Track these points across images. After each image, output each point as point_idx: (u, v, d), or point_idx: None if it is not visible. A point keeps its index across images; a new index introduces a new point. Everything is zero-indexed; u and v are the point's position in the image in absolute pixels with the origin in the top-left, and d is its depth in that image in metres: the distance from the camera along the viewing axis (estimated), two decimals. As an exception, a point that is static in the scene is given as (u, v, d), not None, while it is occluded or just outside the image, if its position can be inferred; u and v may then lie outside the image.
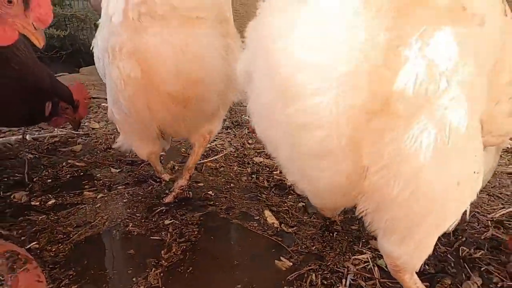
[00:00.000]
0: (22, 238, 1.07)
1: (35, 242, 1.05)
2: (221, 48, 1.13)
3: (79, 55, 4.11)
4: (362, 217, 0.75)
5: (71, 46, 4.11)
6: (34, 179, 1.42)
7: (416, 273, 0.80)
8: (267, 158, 1.69)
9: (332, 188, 0.72)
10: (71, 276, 0.94)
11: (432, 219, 0.67)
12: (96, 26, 1.26)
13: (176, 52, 1.04)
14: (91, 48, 1.30)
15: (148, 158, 1.32)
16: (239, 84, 1.06)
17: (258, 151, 1.81)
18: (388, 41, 0.55)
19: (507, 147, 2.06)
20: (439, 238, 0.75)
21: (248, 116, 0.84)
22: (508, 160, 1.88)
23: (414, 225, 0.68)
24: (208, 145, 1.59)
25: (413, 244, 0.71)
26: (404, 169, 0.60)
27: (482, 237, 1.17)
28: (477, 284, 0.95)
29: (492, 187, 1.55)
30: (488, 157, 0.87)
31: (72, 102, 1.45)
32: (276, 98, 0.66)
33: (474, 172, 0.68)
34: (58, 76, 3.25)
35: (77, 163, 1.56)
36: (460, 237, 1.15)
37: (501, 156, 1.90)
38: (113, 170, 1.52)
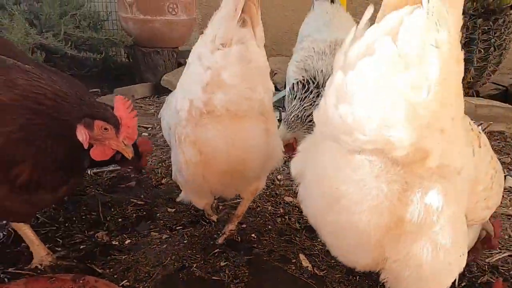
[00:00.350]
0: (115, 276, 1.39)
1: (126, 280, 1.36)
2: (262, 133, 1.41)
3: (108, 72, 4.45)
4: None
5: (102, 65, 4.41)
6: (108, 218, 1.74)
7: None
8: (296, 198, 1.98)
9: (361, 264, 1.01)
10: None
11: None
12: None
13: (227, 142, 1.33)
14: (159, 116, 1.62)
15: (203, 207, 1.64)
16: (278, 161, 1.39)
17: (286, 188, 2.10)
18: (400, 188, 0.84)
19: (510, 187, 2.30)
20: None
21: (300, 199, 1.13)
22: (510, 201, 2.12)
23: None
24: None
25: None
26: (412, 263, 0.90)
27: (479, 281, 1.45)
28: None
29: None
30: (470, 231, 1.16)
31: (138, 153, 1.69)
32: (326, 204, 0.95)
33: (461, 255, 0.97)
34: (91, 91, 3.57)
35: (139, 202, 1.88)
36: (460, 281, 1.43)
37: (503, 197, 2.14)
38: (169, 209, 1.83)
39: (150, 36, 4.23)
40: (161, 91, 4.16)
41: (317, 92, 2.09)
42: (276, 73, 4.27)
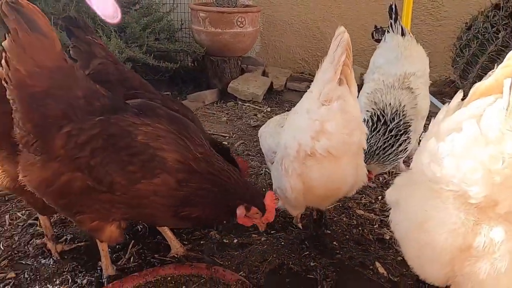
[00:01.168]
0: (233, 268, 1.83)
1: (242, 272, 1.80)
2: (354, 167, 1.75)
3: (178, 77, 4.96)
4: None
5: (173, 71, 4.87)
6: (215, 220, 2.19)
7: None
8: (366, 211, 2.32)
9: (433, 277, 1.34)
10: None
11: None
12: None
13: (326, 177, 1.69)
14: (259, 134, 2.06)
15: (295, 215, 2.04)
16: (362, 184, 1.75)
17: (356, 201, 2.43)
18: (474, 221, 1.16)
19: None
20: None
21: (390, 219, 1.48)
22: None
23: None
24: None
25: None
26: (474, 278, 1.21)
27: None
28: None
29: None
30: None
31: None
32: (414, 224, 1.29)
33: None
34: (164, 93, 4.06)
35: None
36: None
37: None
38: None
39: (220, 47, 4.66)
40: (227, 97, 4.60)
41: (385, 129, 2.26)
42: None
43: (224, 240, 2.03)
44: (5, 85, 1.38)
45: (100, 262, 1.81)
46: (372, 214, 2.29)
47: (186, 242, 2.00)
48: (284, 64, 5.54)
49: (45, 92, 1.40)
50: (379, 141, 2.23)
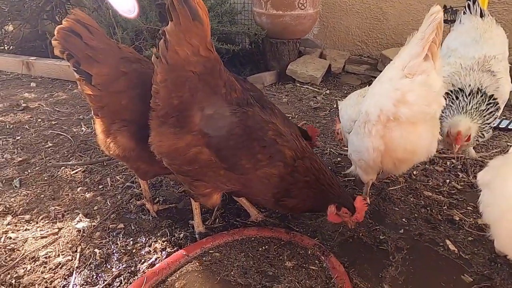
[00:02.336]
0: (308, 234, 2.00)
1: (316, 239, 1.97)
2: (428, 134, 1.88)
3: (237, 58, 5.12)
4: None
5: (232, 52, 5.01)
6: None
7: None
8: (434, 193, 2.36)
9: None
10: (345, 260, 1.82)
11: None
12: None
13: (404, 138, 1.83)
14: (337, 107, 2.20)
15: (367, 182, 2.18)
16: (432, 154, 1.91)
17: (422, 183, 2.48)
18: None
19: None
20: None
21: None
22: None
23: None
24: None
25: None
26: None
27: None
28: None
29: None
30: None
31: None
32: (506, 206, 1.35)
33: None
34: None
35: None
36: None
37: None
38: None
39: (280, 29, 4.74)
40: (285, 79, 4.71)
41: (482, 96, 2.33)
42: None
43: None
44: (160, 65, 1.55)
45: (190, 221, 2.08)
46: (440, 196, 2.33)
47: (263, 210, 2.21)
48: (343, 46, 5.49)
49: (198, 76, 1.59)
50: (481, 105, 2.31)
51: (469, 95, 2.33)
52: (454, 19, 4.29)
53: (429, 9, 4.99)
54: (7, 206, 2.26)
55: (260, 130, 1.68)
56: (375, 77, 2.05)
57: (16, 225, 2.10)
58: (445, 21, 4.33)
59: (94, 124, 1.94)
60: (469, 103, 2.31)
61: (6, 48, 5.85)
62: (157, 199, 2.34)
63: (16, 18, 5.73)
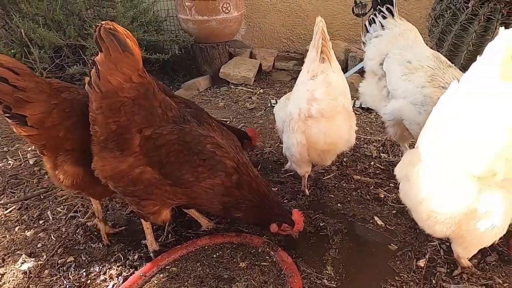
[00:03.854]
0: (257, 233, 2.15)
1: (265, 236, 2.13)
2: (347, 127, 2.20)
3: (168, 66, 5.09)
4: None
5: (163, 60, 4.96)
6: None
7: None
8: (362, 176, 2.67)
9: (443, 234, 1.67)
10: (293, 252, 2.01)
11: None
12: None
13: (322, 132, 2.13)
14: (271, 106, 2.35)
15: (303, 175, 2.41)
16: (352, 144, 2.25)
17: (352, 168, 2.78)
18: (478, 190, 1.48)
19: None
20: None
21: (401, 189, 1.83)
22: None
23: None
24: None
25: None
26: (474, 232, 1.57)
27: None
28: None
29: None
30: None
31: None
32: (422, 195, 1.63)
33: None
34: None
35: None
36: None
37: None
38: (273, 189, 2.57)
39: (208, 34, 4.81)
40: (219, 82, 4.81)
41: None
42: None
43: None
44: (94, 93, 1.60)
45: (143, 241, 2.11)
46: (368, 178, 2.65)
47: (213, 218, 2.31)
48: (270, 45, 5.73)
49: (132, 101, 1.66)
50: None
51: None
52: (365, 13, 4.75)
53: (343, 3, 5.40)
54: None
55: (199, 144, 1.78)
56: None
57: None
58: (357, 15, 4.77)
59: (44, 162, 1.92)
60: None
61: None
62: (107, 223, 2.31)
63: None
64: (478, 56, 1.46)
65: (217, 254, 2.00)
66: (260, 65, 5.06)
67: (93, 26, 1.54)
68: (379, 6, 2.54)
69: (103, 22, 1.53)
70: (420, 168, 1.65)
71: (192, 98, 4.40)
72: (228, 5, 4.72)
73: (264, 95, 4.42)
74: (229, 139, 1.97)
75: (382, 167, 2.79)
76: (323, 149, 2.20)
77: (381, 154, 2.96)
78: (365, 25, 2.59)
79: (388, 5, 2.51)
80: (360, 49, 4.85)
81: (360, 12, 4.73)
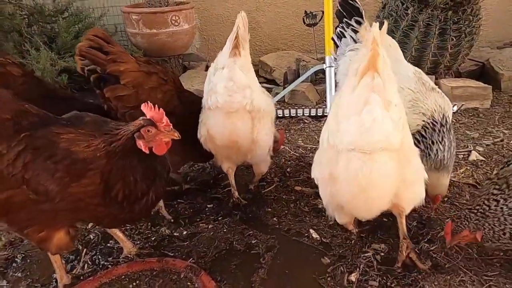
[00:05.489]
0: (183, 257, 1.97)
1: (191, 259, 1.95)
2: (249, 125, 2.13)
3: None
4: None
5: None
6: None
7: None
8: (303, 187, 2.56)
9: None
10: (218, 274, 1.84)
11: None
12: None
13: (217, 125, 2.12)
14: None
15: (227, 171, 2.33)
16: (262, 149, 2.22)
17: (295, 179, 2.67)
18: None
19: (474, 160, 2.82)
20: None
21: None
22: (471, 172, 2.67)
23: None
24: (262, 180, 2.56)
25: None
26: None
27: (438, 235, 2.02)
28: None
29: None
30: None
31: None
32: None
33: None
34: None
35: (184, 203, 2.45)
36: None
37: (466, 168, 2.68)
38: (208, 206, 2.40)
39: (158, 47, 4.68)
40: (174, 96, 4.65)
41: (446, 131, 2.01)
42: (274, 70, 4.74)
43: (174, 233, 2.18)
44: None
45: (54, 274, 1.88)
46: (308, 188, 2.53)
47: (138, 242, 2.12)
48: (226, 57, 5.66)
49: None
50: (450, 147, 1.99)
51: (441, 126, 2.00)
52: (316, 23, 4.74)
53: (295, 14, 5.39)
54: None
55: (51, 146, 1.54)
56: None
57: None
58: (308, 25, 4.76)
59: None
60: (444, 146, 1.96)
61: None
62: (16, 258, 2.07)
63: None
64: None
65: (134, 284, 1.80)
66: (215, 77, 4.95)
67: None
68: (345, 19, 2.22)
69: None
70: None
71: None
72: (177, 18, 4.62)
73: (216, 107, 4.29)
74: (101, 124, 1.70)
75: (325, 176, 2.68)
76: (223, 145, 2.15)
77: (326, 163, 2.86)
78: (333, 39, 2.36)
79: (357, 18, 2.19)
80: (314, 58, 4.86)
81: (310, 22, 4.75)
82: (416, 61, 3.79)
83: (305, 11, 4.69)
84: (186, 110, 2.25)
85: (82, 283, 1.80)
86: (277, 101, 3.93)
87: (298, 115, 3.67)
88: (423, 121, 2.02)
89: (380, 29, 1.49)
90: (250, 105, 2.07)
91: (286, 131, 3.40)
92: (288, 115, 3.68)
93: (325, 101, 3.85)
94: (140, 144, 1.57)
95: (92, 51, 2.06)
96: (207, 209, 2.39)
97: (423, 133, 2.00)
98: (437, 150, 1.96)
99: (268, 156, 2.35)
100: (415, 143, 1.86)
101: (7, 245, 2.16)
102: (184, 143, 1.72)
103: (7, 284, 1.89)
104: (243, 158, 2.27)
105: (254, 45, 5.56)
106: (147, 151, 1.58)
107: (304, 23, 4.73)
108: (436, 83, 3.12)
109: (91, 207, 1.60)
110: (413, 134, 1.85)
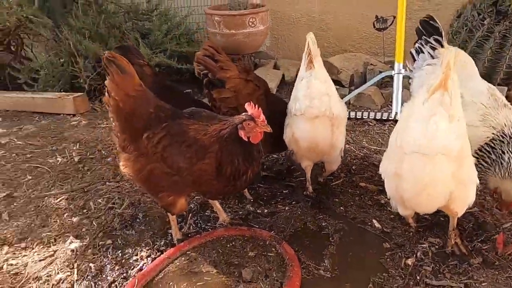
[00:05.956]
0: (265, 229, 2.46)
1: (272, 231, 2.43)
2: (329, 131, 2.50)
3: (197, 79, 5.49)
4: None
5: (193, 70, 5.34)
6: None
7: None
8: (367, 183, 2.90)
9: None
10: (295, 246, 2.29)
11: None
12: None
13: (300, 130, 2.50)
14: None
15: (305, 168, 2.71)
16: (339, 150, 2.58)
17: (359, 176, 3.02)
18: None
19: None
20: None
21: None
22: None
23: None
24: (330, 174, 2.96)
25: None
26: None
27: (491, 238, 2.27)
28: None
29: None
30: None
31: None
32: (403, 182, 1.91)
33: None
34: (186, 92, 4.60)
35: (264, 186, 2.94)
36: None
37: None
38: (284, 191, 2.86)
39: (234, 46, 5.18)
40: (245, 91, 5.15)
41: None
42: (341, 72, 5.02)
43: (257, 211, 2.67)
44: (108, 108, 2.12)
45: (169, 230, 2.48)
46: (372, 185, 2.87)
47: (229, 214, 2.65)
48: (294, 56, 6.03)
49: (132, 112, 2.10)
50: None
51: (510, 139, 2.07)
52: (386, 27, 4.92)
53: (363, 16, 5.61)
54: (2, 237, 2.54)
55: (183, 134, 2.07)
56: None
57: (14, 253, 2.40)
58: (378, 30, 4.96)
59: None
60: None
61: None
62: (138, 215, 2.72)
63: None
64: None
65: (230, 244, 2.32)
66: (283, 75, 5.36)
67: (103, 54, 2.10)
68: (424, 37, 2.44)
69: (105, 53, 2.03)
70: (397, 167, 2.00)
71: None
72: (254, 20, 5.08)
73: (285, 104, 4.71)
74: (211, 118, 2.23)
75: (387, 176, 3.00)
76: (306, 146, 2.50)
77: (389, 164, 3.16)
78: (411, 53, 2.58)
79: (437, 36, 2.37)
80: (381, 61, 5.04)
81: (381, 27, 4.93)
82: (489, 72, 3.86)
83: (376, 16, 4.88)
84: (270, 110, 2.69)
85: (192, 239, 2.37)
86: (343, 103, 4.24)
87: (364, 117, 3.96)
88: (493, 133, 2.13)
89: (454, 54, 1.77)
90: (330, 112, 2.45)
91: (351, 132, 3.73)
92: (353, 117, 3.98)
93: (391, 105, 4.09)
94: (242, 133, 2.07)
95: (207, 59, 2.63)
96: (283, 193, 2.85)
97: (492, 145, 2.11)
98: (509, 158, 2.04)
99: (340, 157, 2.73)
100: (484, 154, 2.10)
101: (130, 205, 2.81)
102: (269, 136, 2.22)
103: (135, 233, 2.53)
104: (320, 158, 2.68)
105: (321, 47, 5.77)
106: (246, 140, 2.07)
107: (374, 27, 4.93)
108: (508, 94, 3.24)
109: (207, 181, 2.14)
110: (482, 146, 2.09)
